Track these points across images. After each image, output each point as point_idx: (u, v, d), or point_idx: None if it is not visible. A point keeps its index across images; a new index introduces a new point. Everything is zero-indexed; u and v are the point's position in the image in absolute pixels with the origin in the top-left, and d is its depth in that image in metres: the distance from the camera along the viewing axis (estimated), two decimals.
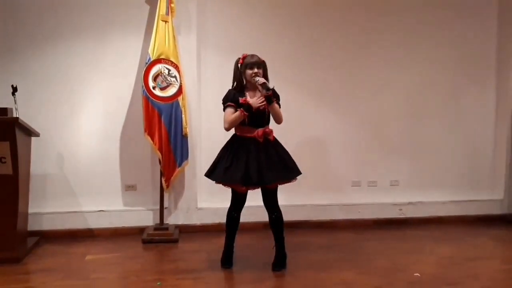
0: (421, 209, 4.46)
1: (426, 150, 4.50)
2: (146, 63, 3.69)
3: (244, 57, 3.03)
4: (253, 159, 2.93)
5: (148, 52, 3.70)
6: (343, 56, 4.30)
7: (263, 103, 2.94)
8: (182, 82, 3.77)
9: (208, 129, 4.09)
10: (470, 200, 4.54)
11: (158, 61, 3.69)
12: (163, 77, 3.71)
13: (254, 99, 2.96)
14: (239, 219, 3.18)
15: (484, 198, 4.59)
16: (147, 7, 3.94)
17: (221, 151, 3.10)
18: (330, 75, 4.28)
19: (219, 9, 4.10)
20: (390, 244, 3.74)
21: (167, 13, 3.72)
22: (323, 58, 4.27)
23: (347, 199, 4.37)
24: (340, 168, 4.35)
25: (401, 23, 4.37)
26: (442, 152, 4.53)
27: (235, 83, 3.09)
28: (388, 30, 4.35)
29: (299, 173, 3.08)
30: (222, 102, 3.08)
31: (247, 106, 2.93)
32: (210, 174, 3.08)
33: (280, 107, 3.05)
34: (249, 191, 3.08)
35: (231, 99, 3.02)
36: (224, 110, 3.05)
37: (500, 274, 3.17)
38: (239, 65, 3.04)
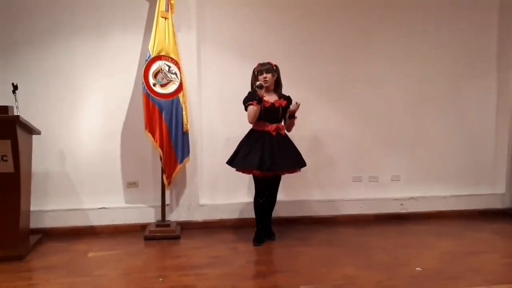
0: (422, 203, 4.46)
1: (427, 145, 4.50)
2: (146, 60, 3.69)
3: (257, 65, 3.49)
4: (267, 148, 3.39)
5: (148, 49, 3.70)
6: (343, 51, 4.28)
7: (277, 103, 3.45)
8: (183, 79, 3.77)
9: (209, 126, 4.10)
10: (472, 195, 4.54)
11: (158, 58, 3.69)
12: (163, 74, 3.70)
13: (268, 97, 3.44)
14: (266, 204, 3.56)
15: (485, 192, 4.59)
16: (146, 4, 3.93)
17: (240, 143, 3.52)
18: (331, 71, 4.27)
19: (219, 5, 4.08)
20: (391, 239, 3.74)
21: (166, 10, 3.71)
22: (323, 54, 4.25)
23: (348, 194, 4.36)
24: (341, 164, 4.35)
25: (402, 18, 4.35)
26: (443, 147, 4.52)
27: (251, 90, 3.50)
28: (389, 26, 4.33)
29: (304, 164, 3.58)
30: (243, 103, 3.45)
31: (259, 99, 3.36)
32: (231, 162, 3.50)
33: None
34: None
35: (252, 99, 3.40)
36: (245, 109, 3.45)
37: (501, 268, 3.17)
38: (256, 72, 3.48)
